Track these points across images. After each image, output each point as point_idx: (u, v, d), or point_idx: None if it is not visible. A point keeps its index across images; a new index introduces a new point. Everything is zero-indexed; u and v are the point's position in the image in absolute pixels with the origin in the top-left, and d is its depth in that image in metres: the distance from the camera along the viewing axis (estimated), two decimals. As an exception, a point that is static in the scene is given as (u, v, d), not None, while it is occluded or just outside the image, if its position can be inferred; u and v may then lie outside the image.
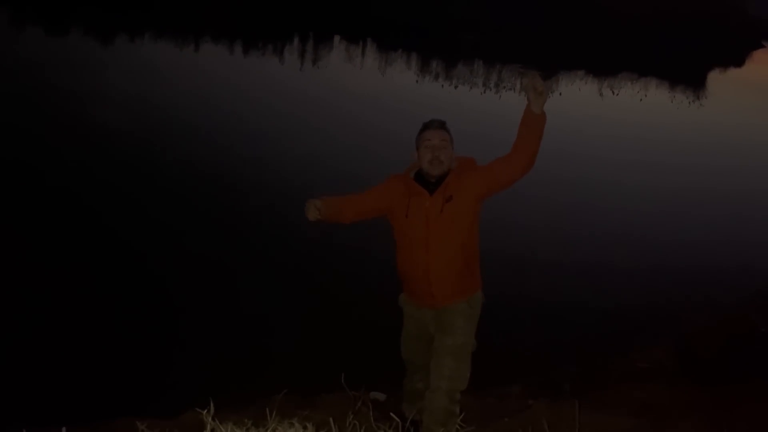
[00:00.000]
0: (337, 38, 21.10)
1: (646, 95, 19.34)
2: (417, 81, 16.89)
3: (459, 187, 3.00)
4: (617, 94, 18.98)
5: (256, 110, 11.49)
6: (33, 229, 5.70)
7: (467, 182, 3.01)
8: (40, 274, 4.95)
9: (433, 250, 3.00)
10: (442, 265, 3.01)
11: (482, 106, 15.19)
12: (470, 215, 3.03)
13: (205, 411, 2.07)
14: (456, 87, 16.59)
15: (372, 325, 4.57)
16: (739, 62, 31.31)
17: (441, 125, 3.09)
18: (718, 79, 25.61)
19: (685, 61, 25.46)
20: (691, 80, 22.73)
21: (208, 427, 2.04)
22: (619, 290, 6.17)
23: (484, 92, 16.60)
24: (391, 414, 2.85)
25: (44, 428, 2.57)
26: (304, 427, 2.13)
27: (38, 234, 5.63)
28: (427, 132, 3.05)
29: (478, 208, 3.08)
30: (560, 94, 17.72)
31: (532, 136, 2.95)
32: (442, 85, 16.61)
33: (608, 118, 15.53)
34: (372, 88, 15.65)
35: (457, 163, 3.11)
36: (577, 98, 17.76)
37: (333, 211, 3.10)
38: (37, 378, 3.84)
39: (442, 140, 3.02)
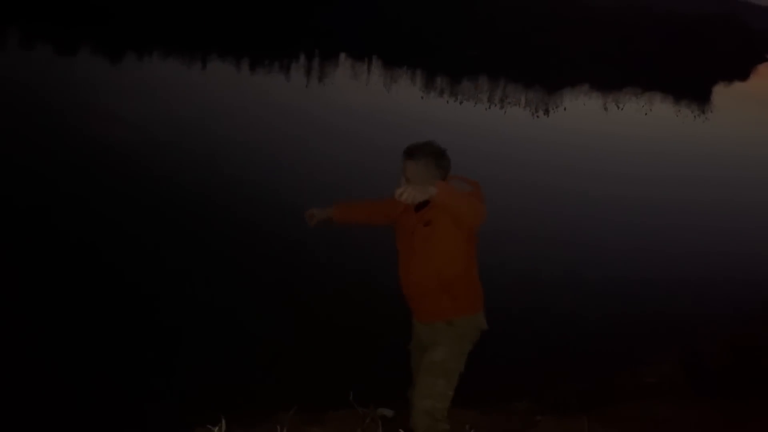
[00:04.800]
0: (342, 55, 21.27)
1: (651, 109, 19.38)
2: (422, 97, 16.99)
3: (441, 214, 2.88)
4: (622, 109, 19.03)
5: (262, 127, 11.58)
6: (42, 245, 5.75)
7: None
8: (49, 292, 4.98)
9: (411, 268, 3.04)
10: (416, 286, 3.04)
11: (487, 121, 15.26)
12: (450, 242, 2.94)
13: (217, 428, 2.09)
14: (461, 103, 16.68)
15: (380, 340, 4.58)
16: (743, 76, 31.37)
17: (409, 155, 2.92)
18: (722, 93, 25.64)
19: (689, 76, 25.52)
20: (696, 94, 22.78)
21: (219, 444, 2.06)
22: (626, 304, 6.15)
23: (489, 108, 16.68)
24: (401, 431, 2.86)
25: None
26: (314, 444, 2.14)
27: (47, 250, 5.67)
28: (402, 160, 2.95)
29: (465, 236, 2.95)
30: (564, 109, 17.80)
31: (453, 209, 2.79)
32: (447, 101, 16.71)
33: (613, 132, 15.56)
34: (377, 105, 15.75)
35: (456, 185, 3.03)
36: (581, 113, 17.82)
37: (352, 212, 3.33)
38: (49, 396, 3.86)
39: (406, 172, 2.90)
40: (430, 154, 2.93)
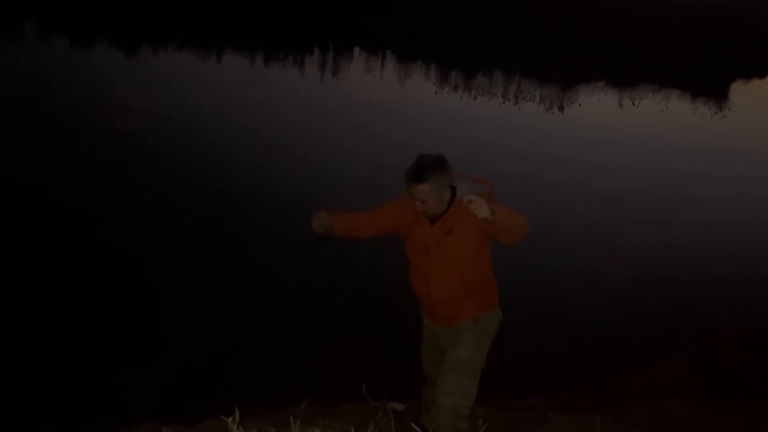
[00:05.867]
0: (357, 50, 21.23)
1: (667, 106, 19.17)
2: (436, 92, 16.92)
3: (461, 220, 2.91)
4: (638, 105, 18.84)
5: (276, 121, 11.59)
6: (58, 235, 5.80)
7: (470, 217, 2.82)
8: (64, 281, 5.03)
9: (433, 279, 3.01)
10: (442, 294, 3.02)
11: (501, 117, 15.18)
12: (472, 247, 2.96)
13: (230, 419, 2.10)
14: (475, 98, 16.59)
15: (392, 334, 4.58)
16: (762, 73, 30.92)
17: (418, 179, 2.85)
18: (740, 90, 25.31)
19: (707, 72, 25.23)
20: (714, 91, 22.49)
21: (233, 435, 2.07)
22: (641, 302, 6.11)
23: (503, 103, 16.59)
24: (413, 425, 2.86)
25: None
26: (327, 436, 2.15)
27: (63, 240, 5.73)
28: (408, 186, 2.89)
29: (484, 238, 2.97)
30: (579, 105, 17.65)
31: (506, 230, 2.81)
32: (461, 96, 16.62)
33: (628, 128, 15.43)
34: (391, 99, 15.71)
35: (470, 189, 2.95)
36: (597, 109, 17.67)
37: (347, 227, 3.18)
38: (63, 384, 3.91)
39: (420, 196, 2.88)
40: (436, 170, 2.87)
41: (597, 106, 18.04)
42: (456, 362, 3.01)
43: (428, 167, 2.88)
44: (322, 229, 3.12)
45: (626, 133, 14.86)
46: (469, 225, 2.89)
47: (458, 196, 2.95)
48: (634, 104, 18.98)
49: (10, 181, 6.75)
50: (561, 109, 16.90)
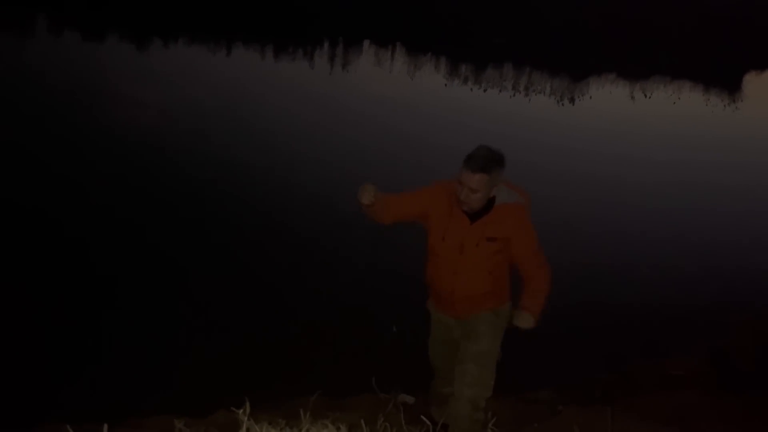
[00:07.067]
0: (366, 42, 21.18)
1: (679, 98, 18.99)
2: (446, 84, 16.86)
3: (502, 232, 2.95)
4: (650, 98, 18.68)
5: (286, 115, 11.60)
6: (65, 229, 5.84)
7: (510, 233, 2.96)
8: (72, 275, 5.07)
9: (462, 275, 3.00)
10: (469, 290, 3.02)
11: (511, 109, 15.10)
12: (505, 250, 3.02)
13: (241, 410, 2.11)
14: (485, 90, 16.52)
15: (402, 327, 4.58)
16: (776, 64, 30.53)
17: (481, 168, 2.82)
18: (754, 82, 25.03)
19: (719, 64, 24.96)
20: (727, 83, 22.24)
21: (244, 426, 2.08)
22: (653, 295, 6.07)
23: (514, 95, 16.50)
24: (422, 417, 2.87)
25: (85, 426, 2.66)
26: (338, 429, 2.16)
27: (71, 234, 5.76)
28: (464, 172, 2.85)
29: None
30: (590, 97, 17.54)
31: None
32: (471, 89, 16.55)
33: (640, 121, 15.31)
34: (401, 92, 15.67)
35: (507, 196, 3.00)
36: (608, 101, 17.55)
37: (379, 205, 3.05)
38: (73, 375, 3.94)
39: (475, 186, 2.84)
40: (498, 164, 2.88)
41: (608, 99, 17.92)
42: (476, 353, 3.02)
43: (493, 159, 2.87)
44: (368, 201, 2.94)
45: (638, 125, 14.74)
46: (506, 240, 2.97)
47: (498, 201, 2.97)
48: (645, 96, 18.82)
49: (17, 174, 6.80)
50: (572, 101, 16.80)
